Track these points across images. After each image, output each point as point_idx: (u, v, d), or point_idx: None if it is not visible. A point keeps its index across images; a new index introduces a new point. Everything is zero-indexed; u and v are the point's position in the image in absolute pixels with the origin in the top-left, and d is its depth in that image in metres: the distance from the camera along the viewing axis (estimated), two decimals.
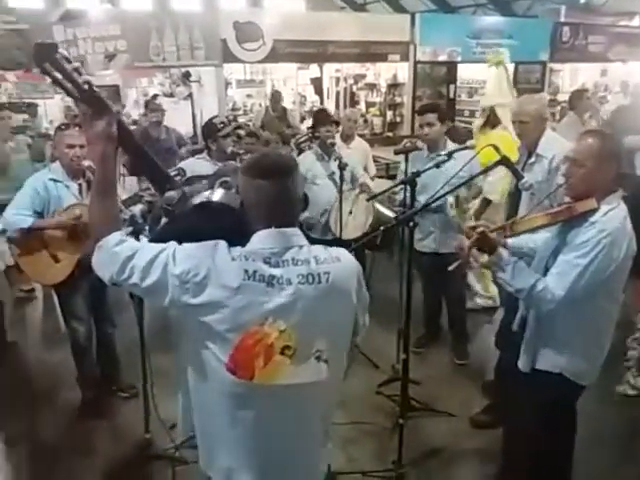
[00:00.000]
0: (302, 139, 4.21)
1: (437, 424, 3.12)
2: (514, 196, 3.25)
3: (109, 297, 3.29)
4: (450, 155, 2.91)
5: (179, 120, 6.62)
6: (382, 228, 2.62)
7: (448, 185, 2.56)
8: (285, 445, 1.44)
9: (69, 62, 1.33)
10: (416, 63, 8.47)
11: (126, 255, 1.35)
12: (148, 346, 2.80)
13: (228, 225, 1.45)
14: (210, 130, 3.47)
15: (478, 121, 4.71)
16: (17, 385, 3.46)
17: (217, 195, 1.59)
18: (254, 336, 1.32)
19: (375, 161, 5.97)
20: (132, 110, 8.78)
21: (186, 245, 1.37)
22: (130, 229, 2.48)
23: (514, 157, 2.91)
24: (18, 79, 7.34)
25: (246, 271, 1.32)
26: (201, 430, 1.50)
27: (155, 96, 6.74)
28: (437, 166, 2.91)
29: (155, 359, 2.73)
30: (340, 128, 4.54)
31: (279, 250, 1.37)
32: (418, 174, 2.83)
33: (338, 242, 3.56)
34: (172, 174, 2.79)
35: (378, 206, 4.02)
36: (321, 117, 4.27)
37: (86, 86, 1.36)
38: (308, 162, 4.02)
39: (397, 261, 3.58)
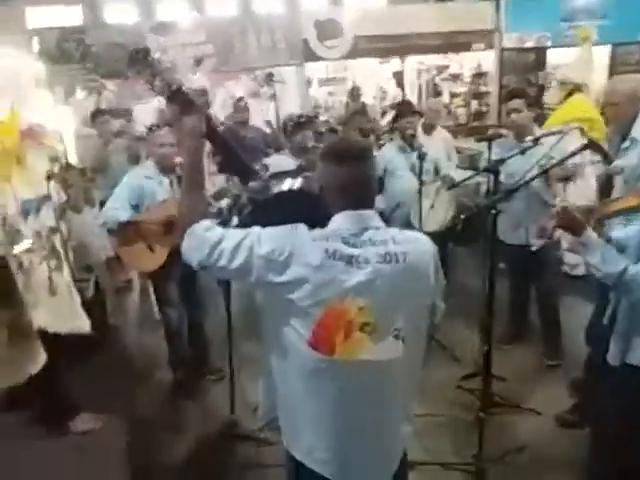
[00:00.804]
0: (381, 132, 4.22)
1: (521, 421, 3.01)
2: (607, 181, 3.07)
3: (200, 285, 3.47)
4: (536, 141, 2.81)
5: (263, 120, 6.81)
6: (462, 216, 2.59)
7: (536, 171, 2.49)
8: (364, 423, 1.48)
9: (160, 64, 1.46)
10: (502, 51, 8.18)
11: (214, 240, 1.46)
12: (235, 332, 2.93)
13: (308, 210, 1.54)
14: (289, 125, 3.58)
15: (556, 94, 4.46)
16: (116, 365, 3.70)
17: (298, 183, 1.71)
18: (334, 312, 1.39)
19: (459, 152, 5.84)
20: (219, 112, 9.13)
21: (269, 229, 1.46)
22: (218, 221, 2.63)
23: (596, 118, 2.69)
24: (118, 87, 7.88)
25: (326, 250, 1.40)
26: (284, 409, 1.56)
27: (241, 98, 6.97)
28: (522, 153, 2.83)
29: (241, 344, 2.88)
30: (422, 119, 4.50)
31: (357, 231, 1.44)
32: (502, 161, 2.76)
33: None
34: (260, 169, 2.96)
35: (461, 198, 3.94)
36: (403, 108, 4.25)
37: (175, 86, 1.49)
38: (389, 154, 4.03)
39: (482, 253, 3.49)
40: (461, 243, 4.46)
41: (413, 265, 1.45)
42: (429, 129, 4.74)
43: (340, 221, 1.46)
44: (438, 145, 4.51)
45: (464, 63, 9.02)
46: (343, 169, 1.45)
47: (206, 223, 1.51)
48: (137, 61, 1.47)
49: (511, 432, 2.95)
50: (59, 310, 2.77)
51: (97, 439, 2.96)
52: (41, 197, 2.78)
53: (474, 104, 8.93)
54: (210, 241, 1.46)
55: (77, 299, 2.95)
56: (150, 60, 1.46)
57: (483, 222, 2.57)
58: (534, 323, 3.79)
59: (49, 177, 2.75)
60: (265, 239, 1.43)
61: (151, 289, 3.53)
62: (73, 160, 4.05)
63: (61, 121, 5.41)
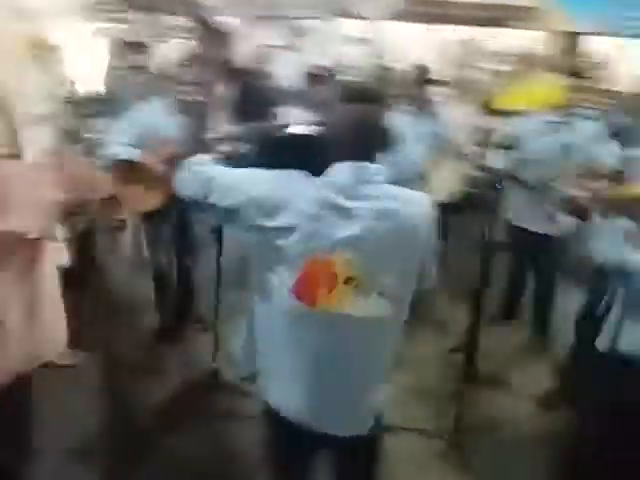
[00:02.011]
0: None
1: (501, 398, 3.02)
2: None
3: (193, 232, 3.43)
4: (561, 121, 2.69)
5: (288, 72, 6.65)
6: (467, 190, 2.51)
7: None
8: (340, 375, 1.46)
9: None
10: (551, 32, 7.79)
11: (208, 175, 1.45)
12: (223, 283, 2.93)
13: (308, 157, 1.48)
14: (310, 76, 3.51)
15: None
16: (101, 304, 3.70)
17: (306, 129, 1.64)
18: (320, 263, 1.36)
19: (488, 130, 5.66)
20: (243, 57, 8.94)
21: (266, 171, 1.42)
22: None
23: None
24: (143, 22, 7.74)
25: (319, 200, 1.35)
26: (263, 356, 1.55)
27: (265, 45, 6.81)
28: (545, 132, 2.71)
29: (228, 296, 2.85)
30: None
31: (354, 184, 1.38)
32: (517, 138, 2.67)
33: None
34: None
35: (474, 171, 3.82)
36: (418, 76, 4.05)
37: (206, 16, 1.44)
38: (399, 121, 3.87)
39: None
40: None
41: (406, 225, 1.40)
42: (453, 100, 4.60)
43: (339, 171, 1.39)
44: (460, 117, 4.39)
45: (508, 40, 8.65)
46: (348, 108, 1.40)
47: (203, 157, 1.50)
48: None
49: (490, 407, 2.94)
50: None
51: (76, 375, 2.97)
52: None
53: None
54: (204, 176, 1.46)
55: None
56: None
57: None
58: (526, 304, 3.76)
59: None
60: (260, 181, 1.40)
61: (143, 230, 3.49)
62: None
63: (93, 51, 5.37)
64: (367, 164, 1.40)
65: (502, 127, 3.47)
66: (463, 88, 4.65)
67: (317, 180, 1.40)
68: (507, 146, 2.69)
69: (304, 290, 1.38)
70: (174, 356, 3.29)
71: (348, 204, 1.36)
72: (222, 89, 1.44)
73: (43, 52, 2.78)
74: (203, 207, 1.48)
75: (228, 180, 1.43)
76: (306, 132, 1.63)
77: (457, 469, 2.54)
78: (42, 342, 1.39)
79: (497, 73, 8.69)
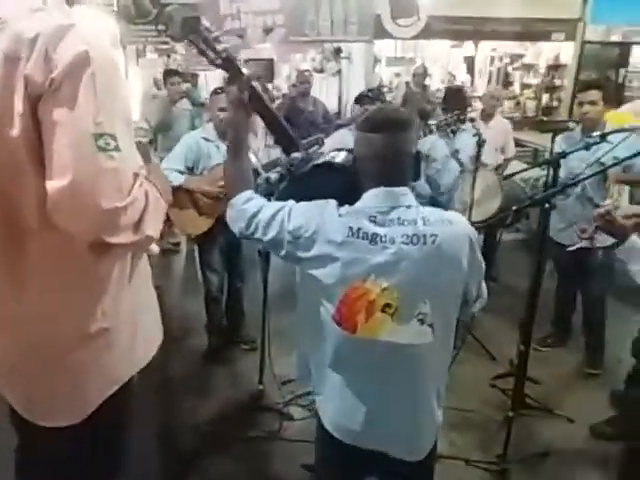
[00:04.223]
0: (448, 121, 4.07)
1: (552, 427, 2.91)
2: None
3: (243, 254, 3.51)
4: (604, 137, 2.64)
5: (327, 96, 6.76)
6: (514, 208, 2.47)
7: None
8: (390, 400, 1.47)
9: (210, 32, 1.48)
10: (583, 43, 7.72)
11: (252, 212, 1.50)
12: (270, 304, 2.95)
13: (344, 185, 1.50)
14: (363, 97, 3.59)
15: None
16: None
17: (338, 157, 1.67)
18: (357, 291, 1.38)
19: (523, 145, 5.60)
20: (283, 84, 9.14)
21: (302, 203, 1.47)
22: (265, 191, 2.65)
23: None
24: (186, 50, 7.96)
25: (350, 228, 1.38)
26: (315, 378, 1.58)
27: (305, 70, 6.93)
28: (586, 148, 2.68)
29: (276, 317, 2.89)
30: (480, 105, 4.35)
31: (385, 209, 1.40)
32: (563, 155, 2.63)
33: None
34: (312, 142, 2.97)
35: (514, 189, 3.78)
36: (456, 98, 4.04)
37: (224, 54, 1.50)
38: (431, 138, 3.89)
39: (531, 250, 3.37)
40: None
41: (443, 248, 1.38)
42: (487, 117, 4.57)
43: (369, 198, 1.43)
44: (496, 135, 4.35)
45: (540, 53, 8.60)
46: (375, 137, 1.42)
47: (247, 194, 1.54)
48: (188, 30, 1.47)
49: (540, 436, 2.86)
50: None
51: None
52: None
53: (545, 97, 8.52)
54: (248, 213, 1.51)
55: None
56: (201, 29, 1.46)
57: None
58: (577, 328, 3.64)
59: None
60: (295, 214, 1.45)
61: (196, 253, 3.60)
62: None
63: (131, 80, 5.55)
64: (395, 189, 1.41)
65: (546, 143, 3.42)
66: (493, 103, 4.61)
67: (348, 208, 1.42)
68: (550, 162, 2.65)
69: (344, 317, 1.41)
70: (221, 377, 3.35)
71: (379, 230, 1.37)
72: (245, 118, 1.51)
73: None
74: (251, 241, 1.55)
75: (268, 215, 1.47)
76: (343, 160, 1.64)
77: None
78: (141, 348, 1.46)
79: (529, 86, 8.67)
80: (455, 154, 3.77)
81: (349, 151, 1.67)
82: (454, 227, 1.42)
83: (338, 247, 1.38)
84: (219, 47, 1.48)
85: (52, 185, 1.07)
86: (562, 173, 2.68)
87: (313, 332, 1.51)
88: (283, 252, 1.46)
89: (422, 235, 1.37)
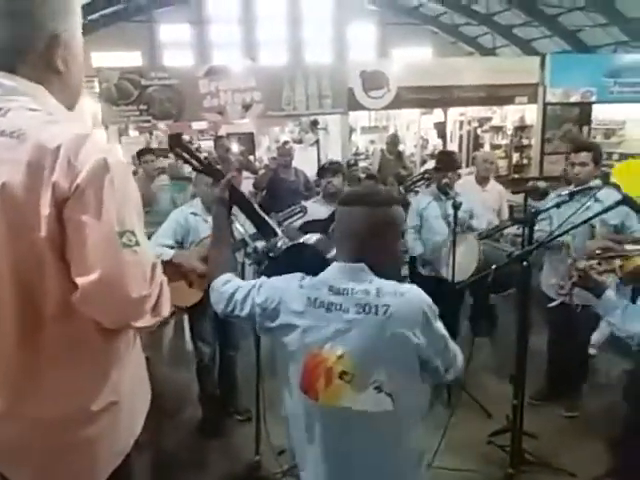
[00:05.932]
0: (414, 180, 4.23)
1: None
2: None
3: (233, 324, 3.52)
4: (572, 196, 2.81)
5: (306, 165, 7.01)
6: (494, 267, 2.57)
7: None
8: (356, 469, 1.49)
9: (191, 144, 1.75)
10: (545, 105, 8.20)
11: (230, 292, 1.64)
12: (264, 372, 2.97)
13: (316, 262, 1.65)
14: (324, 169, 3.73)
15: None
16: None
17: (311, 240, 1.86)
18: (316, 358, 1.47)
19: None
20: (264, 155, 9.45)
21: (272, 278, 1.61)
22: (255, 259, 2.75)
23: None
24: (169, 128, 8.24)
25: (309, 298, 1.50)
26: (294, 449, 1.63)
27: (285, 142, 7.21)
28: (557, 206, 2.83)
29: (270, 385, 2.88)
30: (474, 169, 4.53)
31: (342, 280, 1.49)
32: (537, 213, 2.77)
33: (450, 285, 3.52)
34: (296, 210, 3.13)
35: (494, 248, 3.89)
36: (446, 164, 4.05)
37: (206, 161, 1.77)
38: (424, 201, 4.06)
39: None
40: (496, 291, 4.39)
41: (395, 319, 1.41)
42: (483, 180, 4.77)
43: (330, 270, 1.54)
44: (493, 198, 4.54)
45: (507, 116, 9.09)
46: (344, 211, 1.54)
47: (225, 277, 1.70)
48: (174, 144, 1.74)
49: None
50: None
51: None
52: None
53: (515, 156, 8.94)
54: (226, 294, 1.64)
55: None
56: (183, 142, 1.74)
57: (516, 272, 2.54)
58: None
59: None
60: (264, 289, 1.58)
61: (186, 324, 3.61)
62: None
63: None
64: (354, 264, 1.48)
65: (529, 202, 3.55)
66: (487, 166, 4.83)
67: (310, 280, 1.54)
68: (525, 221, 2.78)
69: (307, 384, 1.48)
70: (217, 449, 3.29)
71: (334, 299, 1.47)
72: (226, 212, 1.83)
73: None
74: (232, 319, 1.67)
75: (243, 294, 1.60)
76: (314, 242, 1.83)
77: None
78: (139, 416, 1.46)
79: (499, 147, 9.08)
80: (447, 217, 3.88)
81: (321, 233, 1.86)
82: (407, 299, 1.44)
83: (299, 316, 1.49)
84: (201, 156, 1.75)
85: (83, 280, 1.16)
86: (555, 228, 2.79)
87: (288, 402, 1.59)
88: (257, 325, 1.58)
89: (374, 305, 1.43)
